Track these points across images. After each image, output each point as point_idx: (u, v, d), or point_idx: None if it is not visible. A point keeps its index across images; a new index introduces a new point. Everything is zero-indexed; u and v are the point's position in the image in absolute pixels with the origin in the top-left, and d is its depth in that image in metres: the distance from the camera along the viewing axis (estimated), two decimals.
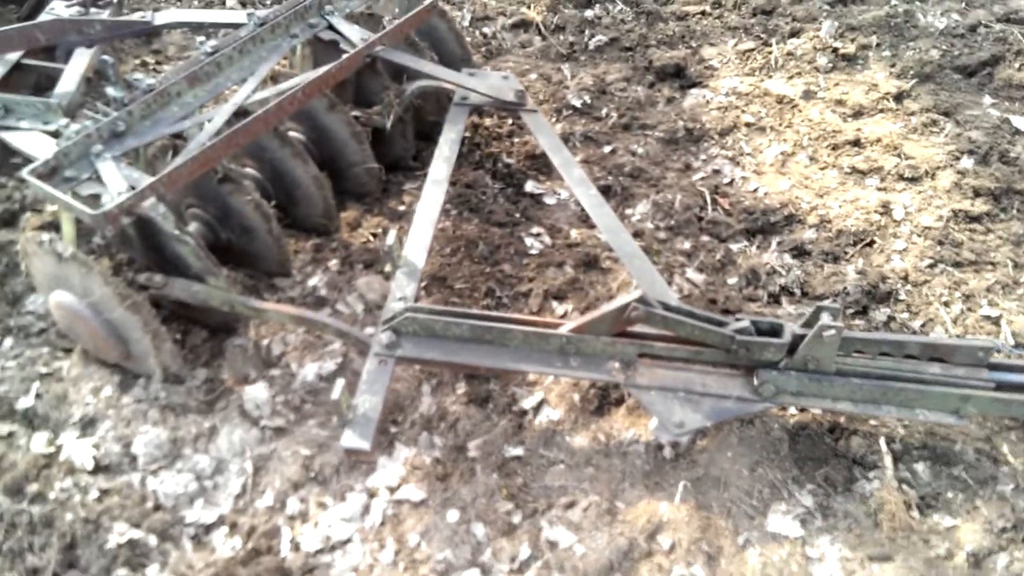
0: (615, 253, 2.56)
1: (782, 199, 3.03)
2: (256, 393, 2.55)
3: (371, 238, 3.05)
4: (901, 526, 2.02)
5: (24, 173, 2.19)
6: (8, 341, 2.82)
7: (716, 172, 3.22)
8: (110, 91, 2.43)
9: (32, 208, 3.30)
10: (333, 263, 2.94)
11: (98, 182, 2.30)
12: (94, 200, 2.24)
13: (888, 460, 2.15)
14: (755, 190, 3.11)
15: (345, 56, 2.74)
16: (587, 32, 4.15)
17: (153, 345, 2.37)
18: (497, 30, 4.26)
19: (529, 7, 4.34)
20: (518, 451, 2.33)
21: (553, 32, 4.21)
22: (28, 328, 2.87)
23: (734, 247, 2.86)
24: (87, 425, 2.48)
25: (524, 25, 4.26)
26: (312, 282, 2.87)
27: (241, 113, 2.57)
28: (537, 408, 2.41)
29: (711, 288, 2.72)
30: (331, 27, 2.94)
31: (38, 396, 2.58)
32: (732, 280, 2.74)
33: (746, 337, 1.92)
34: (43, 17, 3.51)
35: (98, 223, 2.11)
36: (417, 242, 2.45)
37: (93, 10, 3.45)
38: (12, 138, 2.65)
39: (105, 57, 2.34)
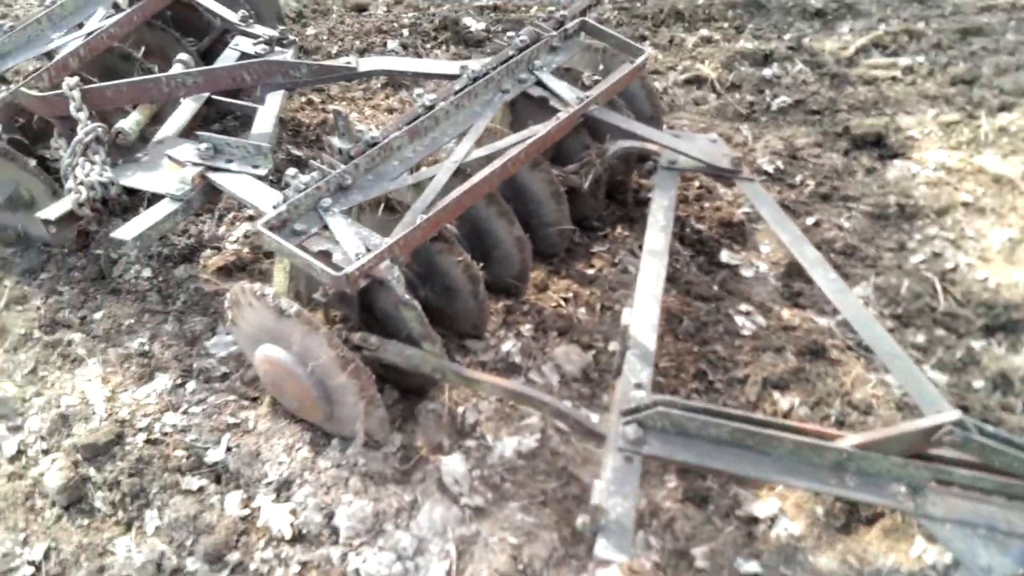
0: (869, 348, 2.32)
1: (1021, 293, 2.74)
2: (454, 466, 2.39)
3: (562, 303, 2.89)
4: None
5: (258, 225, 2.10)
6: (191, 384, 2.75)
7: (936, 256, 2.95)
8: (336, 142, 2.35)
9: (210, 245, 3.27)
10: (526, 328, 2.78)
11: (326, 237, 2.20)
12: (325, 256, 2.14)
13: None
14: (985, 280, 2.83)
15: (564, 115, 2.61)
16: (767, 92, 3.96)
17: (364, 411, 2.24)
18: (669, 85, 4.10)
19: (703, 63, 4.17)
20: (753, 567, 2.09)
21: (728, 90, 4.03)
22: (210, 372, 2.79)
23: (975, 344, 2.59)
24: (282, 487, 2.36)
25: (698, 81, 4.09)
26: (505, 347, 2.72)
27: (460, 172, 2.45)
28: (773, 518, 2.18)
29: (954, 390, 2.45)
30: (540, 83, 2.81)
31: (228, 450, 2.49)
32: (978, 383, 2.46)
33: None
34: (227, 53, 3.52)
35: (340, 285, 2.00)
36: (644, 320, 2.27)
37: (277, 48, 3.44)
38: (222, 180, 2.59)
39: (339, 109, 2.25)
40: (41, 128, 3.24)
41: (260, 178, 2.60)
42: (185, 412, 2.64)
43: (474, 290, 2.54)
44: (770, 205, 2.69)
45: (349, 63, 2.87)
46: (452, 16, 4.65)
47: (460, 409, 2.56)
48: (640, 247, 3.10)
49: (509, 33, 4.50)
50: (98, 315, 3.04)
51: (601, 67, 3.05)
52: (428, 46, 4.53)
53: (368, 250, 2.10)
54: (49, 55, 3.35)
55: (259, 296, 2.20)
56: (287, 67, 2.83)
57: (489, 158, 2.50)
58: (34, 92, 2.86)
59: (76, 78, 2.80)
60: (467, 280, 2.51)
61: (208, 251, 3.20)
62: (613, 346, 2.70)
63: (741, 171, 2.78)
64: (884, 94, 3.84)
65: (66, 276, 3.21)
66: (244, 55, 3.48)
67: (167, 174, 2.69)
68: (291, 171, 2.25)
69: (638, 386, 2.09)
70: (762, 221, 3.21)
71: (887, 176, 3.37)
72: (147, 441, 2.51)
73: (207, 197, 2.65)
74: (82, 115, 2.71)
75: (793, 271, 2.99)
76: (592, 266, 3.03)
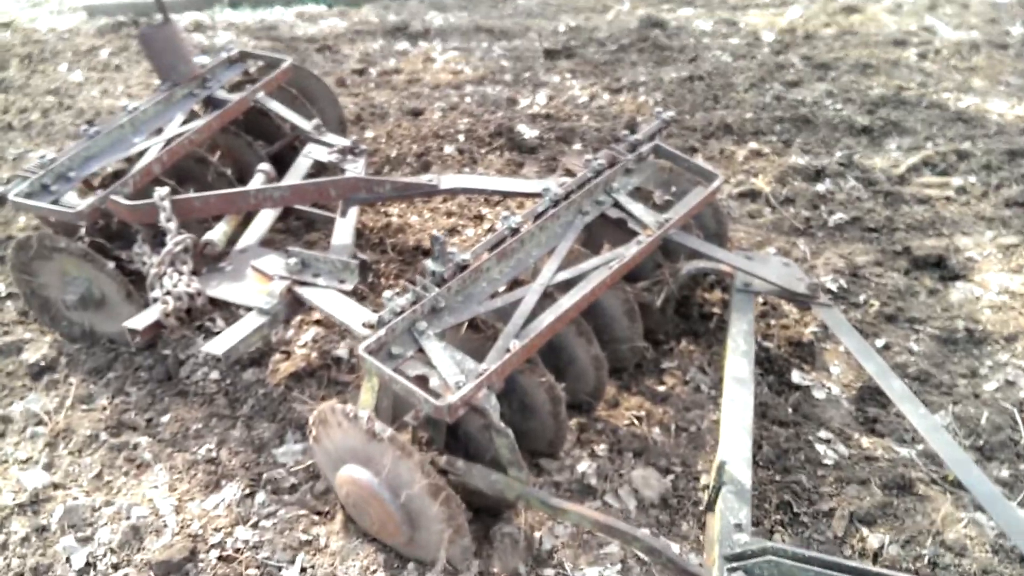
0: (963, 486, 2.27)
1: None
2: None
3: (635, 421, 2.87)
4: None
5: (359, 350, 2.12)
6: (260, 496, 2.71)
7: (1010, 384, 2.93)
8: (430, 265, 2.39)
9: (279, 349, 3.29)
10: (601, 448, 2.75)
11: (422, 361, 2.21)
12: (422, 382, 2.14)
13: None
14: None
15: (647, 240, 2.66)
16: (822, 208, 4.03)
17: (450, 540, 2.20)
18: (724, 198, 4.18)
19: (756, 176, 4.26)
20: None
21: (782, 204, 4.11)
22: (279, 483, 2.76)
23: None
24: None
25: (752, 195, 4.18)
26: (581, 468, 2.68)
27: (547, 295, 2.49)
28: None
29: None
30: (617, 204, 2.88)
31: (303, 571, 2.43)
32: None
33: None
34: (301, 161, 3.64)
35: (441, 414, 2.00)
36: (738, 454, 2.25)
37: (349, 157, 3.55)
38: (309, 294, 2.63)
39: (437, 234, 2.30)
40: (118, 230, 3.32)
41: (345, 293, 2.63)
42: (256, 526, 2.60)
43: (554, 411, 2.53)
44: (850, 333, 2.69)
45: (431, 181, 2.95)
46: (506, 124, 4.80)
47: (537, 534, 2.51)
48: (709, 363, 3.13)
49: (586, 152, 4.63)
50: (165, 418, 3.04)
51: (674, 188, 3.12)
52: (483, 151, 4.66)
53: (465, 376, 2.10)
54: (129, 159, 3.47)
55: (351, 418, 2.19)
56: (372, 184, 2.91)
57: (574, 281, 2.54)
58: (123, 200, 2.94)
59: (167, 188, 2.88)
60: (548, 400, 2.51)
61: (277, 355, 3.22)
62: (694, 471, 2.66)
63: (818, 297, 2.81)
64: (940, 214, 3.90)
65: (133, 376, 3.22)
66: (318, 163, 3.60)
67: (252, 285, 2.74)
68: (387, 294, 2.29)
69: (738, 527, 2.05)
70: (830, 340, 3.23)
71: (951, 298, 3.39)
72: (220, 558, 2.46)
73: (292, 310, 2.69)
74: (172, 225, 2.78)
75: (866, 395, 2.98)
76: (663, 383, 3.02)
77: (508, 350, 2.23)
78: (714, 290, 3.49)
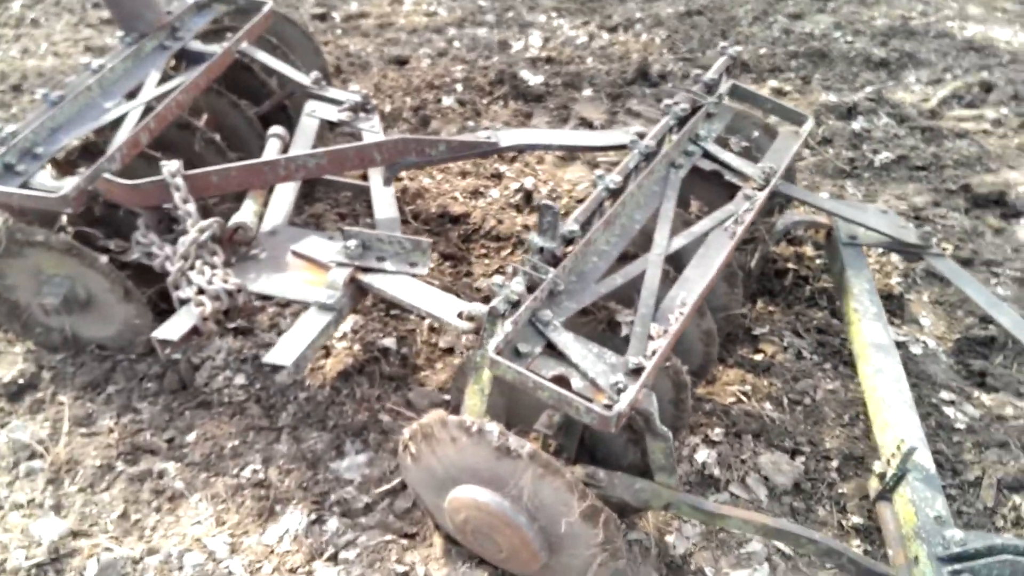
0: None
1: None
2: None
3: (742, 398, 2.59)
4: None
5: (490, 352, 1.73)
6: (332, 522, 2.31)
7: None
8: (538, 240, 2.00)
9: None
10: (716, 432, 2.47)
11: (554, 358, 1.84)
12: (564, 384, 1.77)
13: None
14: None
15: (762, 193, 2.33)
16: (864, 147, 3.80)
17: (600, 563, 1.87)
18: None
19: None
20: None
21: (820, 144, 3.86)
22: (349, 504, 2.36)
23: None
24: None
25: None
26: (699, 457, 2.40)
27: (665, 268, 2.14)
28: None
29: None
30: (707, 155, 2.54)
31: None
32: None
33: None
34: (306, 121, 3.13)
35: (607, 425, 1.64)
36: (911, 434, 1.99)
37: (361, 115, 3.07)
38: (378, 282, 2.19)
39: (549, 204, 1.91)
40: (103, 216, 2.75)
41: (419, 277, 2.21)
42: (336, 559, 2.21)
43: (677, 398, 2.21)
44: (971, 282, 2.48)
45: (489, 138, 2.53)
46: (508, 70, 4.35)
47: (668, 538, 2.22)
48: (799, 324, 2.86)
49: (598, 98, 4.23)
50: (190, 436, 2.57)
51: (756, 134, 2.80)
52: (485, 101, 4.21)
53: (617, 375, 1.75)
54: (100, 130, 2.87)
55: (474, 431, 1.81)
56: (423, 144, 2.45)
57: (690, 247, 2.20)
58: (118, 179, 2.40)
59: (177, 163, 2.35)
60: (672, 387, 2.19)
61: None
62: (822, 449, 2.41)
63: (931, 246, 2.57)
64: (984, 148, 3.73)
65: (139, 388, 2.71)
66: (326, 122, 3.10)
67: (298, 275, 2.28)
68: (497, 279, 1.89)
69: (939, 520, 1.80)
70: (914, 291, 3.02)
71: (1020, 237, 3.23)
72: None
73: (355, 302, 2.25)
74: (191, 207, 2.27)
75: (964, 347, 2.79)
76: (760, 351, 2.75)
77: (651, 337, 1.88)
78: (779, 243, 3.22)
